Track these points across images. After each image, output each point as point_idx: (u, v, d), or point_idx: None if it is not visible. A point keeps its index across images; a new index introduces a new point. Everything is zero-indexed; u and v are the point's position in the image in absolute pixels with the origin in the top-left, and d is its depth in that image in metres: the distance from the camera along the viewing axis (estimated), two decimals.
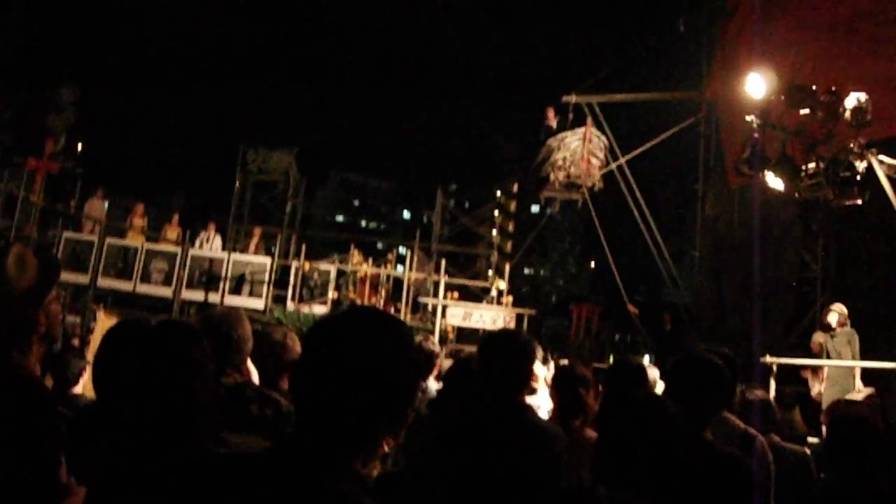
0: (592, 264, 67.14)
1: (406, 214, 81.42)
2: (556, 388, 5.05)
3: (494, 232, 36.20)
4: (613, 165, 18.30)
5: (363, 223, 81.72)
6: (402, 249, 26.68)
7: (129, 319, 3.85)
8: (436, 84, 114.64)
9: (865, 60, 13.48)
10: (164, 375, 2.51)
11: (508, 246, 31.80)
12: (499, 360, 4.06)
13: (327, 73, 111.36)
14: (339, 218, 78.43)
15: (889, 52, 13.21)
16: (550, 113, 18.78)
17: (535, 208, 45.82)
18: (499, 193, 41.75)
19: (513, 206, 38.11)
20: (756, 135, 9.26)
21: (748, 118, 9.40)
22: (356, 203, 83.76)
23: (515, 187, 37.65)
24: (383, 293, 19.49)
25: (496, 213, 37.28)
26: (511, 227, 34.59)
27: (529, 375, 4.16)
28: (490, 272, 26.04)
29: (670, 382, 4.17)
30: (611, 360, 22.96)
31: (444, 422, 4.42)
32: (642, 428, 2.83)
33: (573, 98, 18.46)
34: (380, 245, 44.85)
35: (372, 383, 1.83)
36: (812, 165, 9.05)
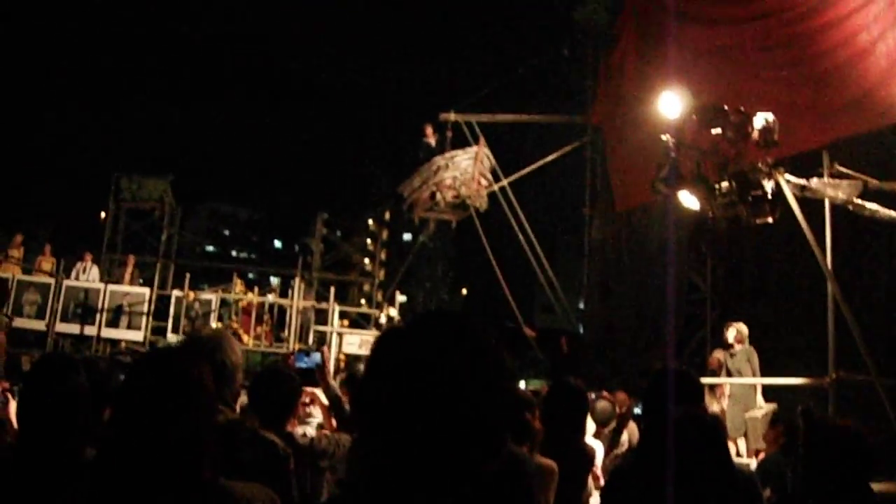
0: (464, 291, 67.55)
1: (277, 244, 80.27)
2: None
3: (367, 260, 35.82)
4: (496, 186, 18.09)
5: (234, 253, 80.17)
6: (273, 279, 26.15)
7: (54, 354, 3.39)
8: (304, 110, 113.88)
9: (749, 83, 13.83)
10: (170, 403, 2.09)
11: (382, 274, 31.61)
12: None
13: (193, 101, 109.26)
14: (209, 248, 76.70)
15: (770, 76, 13.59)
16: (429, 130, 18.37)
17: (407, 236, 45.79)
18: (371, 222, 41.50)
19: (385, 234, 37.82)
20: (672, 154, 9.28)
21: (663, 137, 9.43)
22: (226, 233, 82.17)
23: (387, 215, 37.38)
24: (267, 322, 18.94)
25: (368, 241, 36.95)
26: (384, 256, 34.39)
27: None
28: (369, 300, 25.72)
29: (654, 398, 4.04)
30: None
31: None
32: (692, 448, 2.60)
33: (452, 116, 18.16)
34: (251, 275, 43.86)
35: (474, 403, 1.48)
36: (725, 184, 9.12)
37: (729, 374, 12.02)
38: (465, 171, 17.12)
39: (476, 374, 1.50)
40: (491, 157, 17.77)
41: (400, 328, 1.63)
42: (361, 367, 6.53)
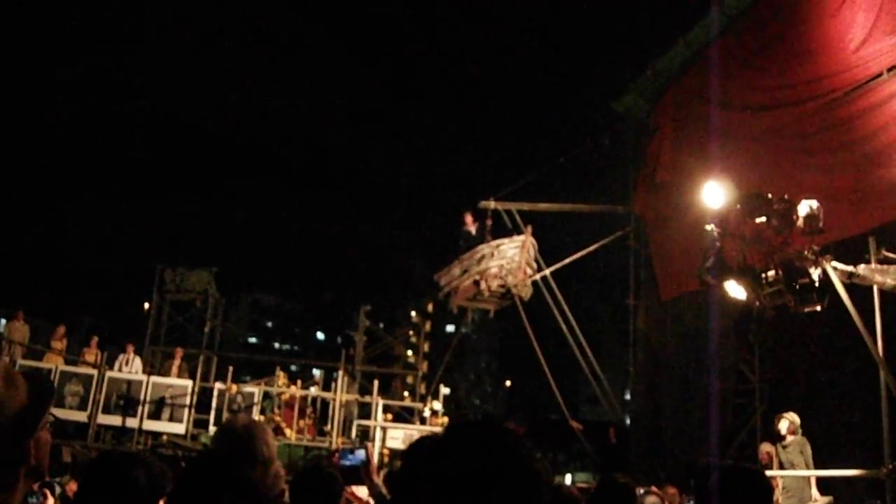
0: (508, 383, 67.01)
1: (320, 336, 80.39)
2: None
3: (410, 353, 35.64)
4: (538, 276, 17.98)
5: (277, 345, 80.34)
6: (315, 372, 26.10)
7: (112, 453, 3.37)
8: (346, 202, 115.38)
9: (790, 169, 13.80)
10: None
11: (425, 366, 31.50)
12: None
13: (236, 194, 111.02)
14: (252, 339, 76.98)
15: (812, 161, 13.56)
16: (469, 218, 18.27)
17: (450, 328, 45.63)
18: (413, 314, 41.44)
19: (428, 326, 37.80)
20: (717, 243, 9.22)
21: (708, 227, 9.40)
22: (269, 325, 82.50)
23: (430, 307, 37.35)
24: (310, 416, 18.85)
25: (411, 333, 36.82)
26: (427, 348, 34.30)
27: None
28: (413, 393, 25.56)
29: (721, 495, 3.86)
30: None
31: None
32: None
33: (492, 204, 18.16)
34: (294, 367, 43.96)
35: None
36: (771, 273, 9.03)
37: (781, 466, 11.71)
38: (512, 259, 16.96)
39: (509, 488, 1.48)
40: (535, 245, 17.66)
41: (433, 438, 1.62)
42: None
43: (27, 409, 2.29)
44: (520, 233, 17.63)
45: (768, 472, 11.83)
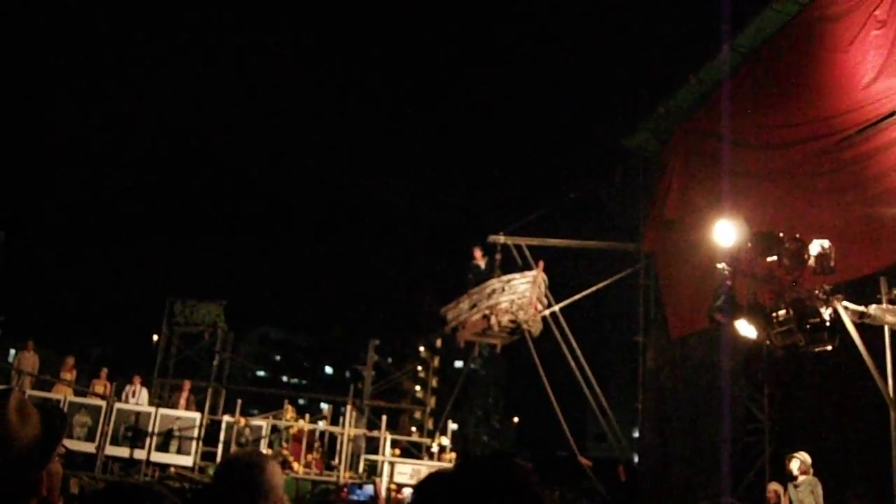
0: (516, 419, 66.73)
1: (328, 370, 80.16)
2: None
3: (418, 388, 35.49)
4: (547, 312, 17.94)
5: (285, 378, 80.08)
6: (324, 405, 26.07)
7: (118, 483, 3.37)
8: (355, 237, 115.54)
9: (801, 207, 13.77)
10: None
11: (433, 402, 31.39)
12: None
13: (247, 229, 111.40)
14: (260, 373, 76.73)
15: (823, 200, 13.53)
16: (478, 253, 18.29)
17: (458, 363, 45.49)
18: (422, 349, 41.26)
19: (436, 361, 37.73)
20: (728, 282, 9.20)
21: (719, 265, 9.38)
22: (277, 358, 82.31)
23: (438, 342, 37.19)
24: (318, 449, 18.75)
25: (419, 368, 36.72)
26: (435, 383, 34.27)
27: None
28: (420, 428, 25.48)
29: None
30: None
31: None
32: None
33: (501, 238, 18.18)
34: (302, 401, 43.81)
35: None
36: (782, 312, 8.99)
37: None
38: (523, 294, 16.90)
39: None
40: (546, 280, 17.62)
41: (445, 473, 1.64)
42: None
43: (40, 441, 2.30)
44: (528, 268, 17.61)
45: None
